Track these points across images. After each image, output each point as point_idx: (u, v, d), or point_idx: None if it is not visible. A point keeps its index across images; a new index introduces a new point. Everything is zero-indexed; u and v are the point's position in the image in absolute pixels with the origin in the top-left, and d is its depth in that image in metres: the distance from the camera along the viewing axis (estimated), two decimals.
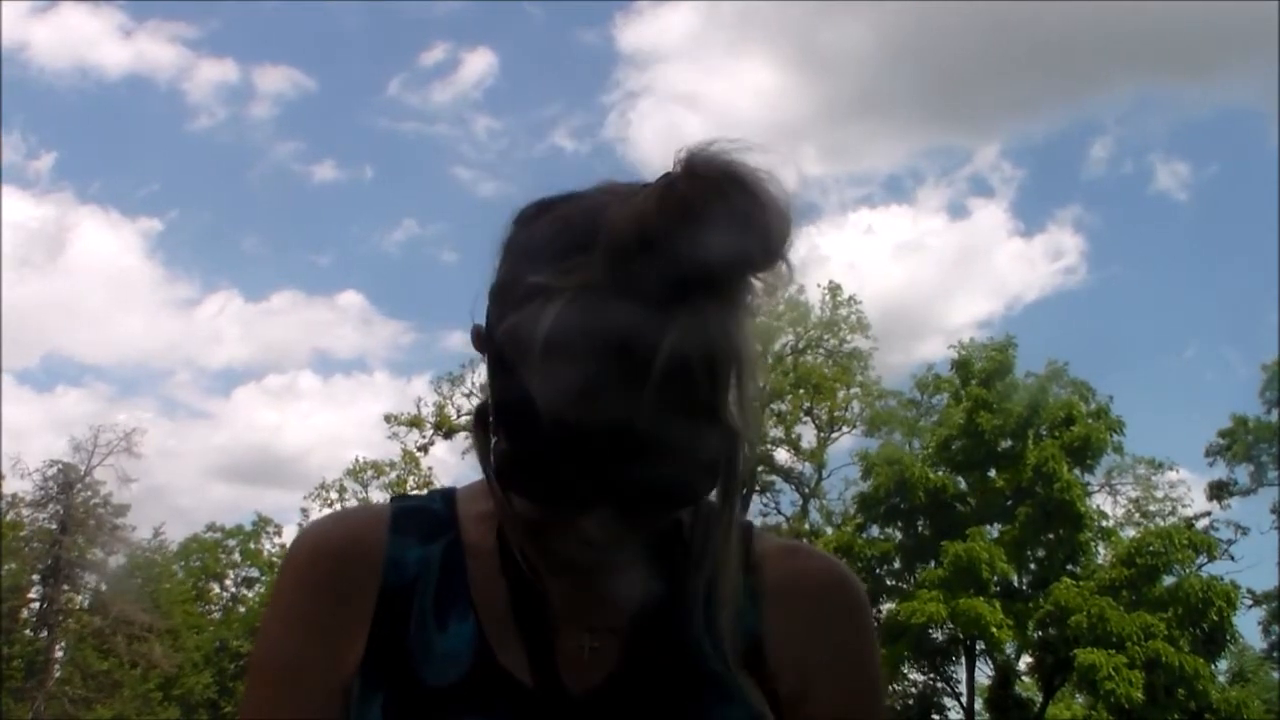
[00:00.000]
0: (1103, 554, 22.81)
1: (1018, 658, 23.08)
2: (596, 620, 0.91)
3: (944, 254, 42.70)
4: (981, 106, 44.80)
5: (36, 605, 28.54)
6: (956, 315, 42.34)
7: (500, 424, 0.86)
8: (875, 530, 23.95)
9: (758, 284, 0.84)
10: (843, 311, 28.09)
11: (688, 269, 0.78)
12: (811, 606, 0.95)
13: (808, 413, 27.88)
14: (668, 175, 0.82)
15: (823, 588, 0.96)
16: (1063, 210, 49.71)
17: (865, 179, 50.40)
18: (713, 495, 0.88)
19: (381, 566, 0.93)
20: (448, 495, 1.00)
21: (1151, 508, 25.59)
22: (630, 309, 0.78)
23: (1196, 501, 25.89)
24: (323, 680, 0.90)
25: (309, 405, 48.92)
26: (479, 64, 54.09)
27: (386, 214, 50.09)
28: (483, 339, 0.90)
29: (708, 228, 0.78)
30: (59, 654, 28.17)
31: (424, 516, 0.97)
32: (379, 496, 29.78)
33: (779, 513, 27.72)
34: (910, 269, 42.67)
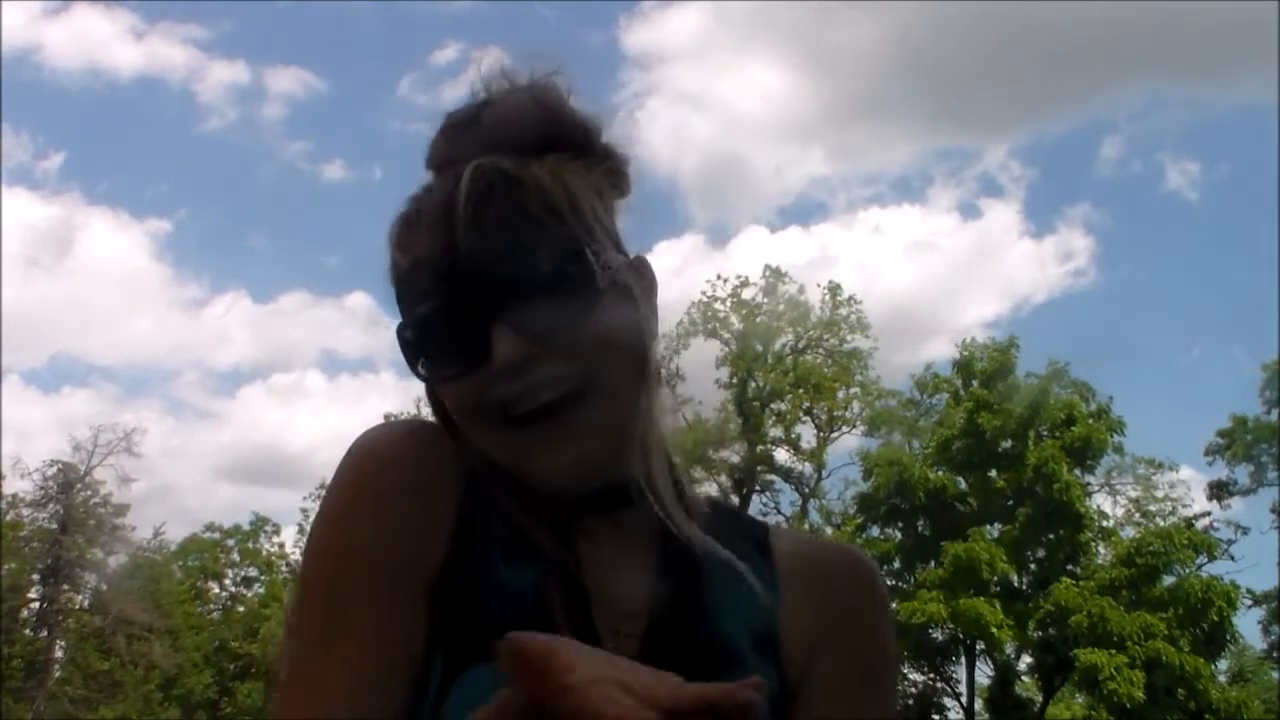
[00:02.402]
0: (1103, 554, 22.82)
1: (1018, 658, 23.09)
2: (622, 605, 0.92)
3: (954, 254, 42.79)
4: (990, 106, 44.86)
5: (36, 605, 28.54)
6: (964, 316, 42.47)
7: (402, 319, 0.92)
8: (875, 530, 23.95)
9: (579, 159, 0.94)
10: (843, 311, 28.12)
11: (484, 134, 0.93)
12: (824, 586, 0.97)
13: (807, 412, 27.87)
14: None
15: (835, 567, 0.99)
16: (1072, 210, 49.75)
17: (874, 179, 50.43)
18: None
19: (460, 480, 0.92)
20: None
21: (1152, 508, 25.59)
22: (447, 176, 0.92)
23: (1198, 501, 25.91)
24: (402, 594, 0.86)
25: (315, 405, 49.02)
26: (491, 63, 53.96)
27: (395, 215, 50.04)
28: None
29: (496, 106, 0.95)
30: (59, 654, 28.18)
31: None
32: None
33: (779, 512, 27.73)
34: (919, 269, 42.79)
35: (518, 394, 0.88)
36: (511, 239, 0.88)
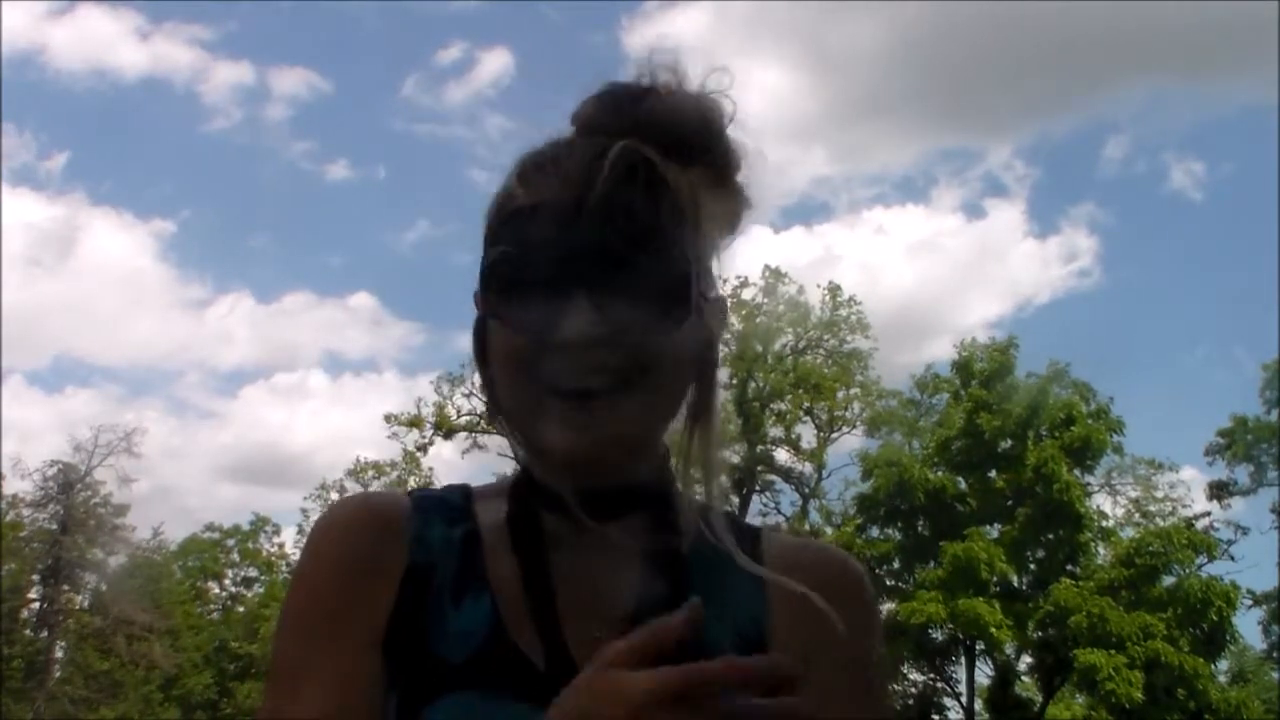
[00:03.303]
0: (1102, 554, 22.82)
1: (1018, 658, 23.09)
2: (611, 610, 0.92)
3: (957, 254, 42.78)
4: (994, 106, 44.85)
5: (36, 605, 28.55)
6: (968, 316, 42.47)
7: (489, 252, 0.93)
8: (875, 531, 23.95)
9: (712, 183, 0.95)
10: (843, 312, 28.11)
11: (644, 117, 0.94)
12: (810, 588, 0.96)
13: (807, 412, 27.88)
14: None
15: (824, 570, 0.99)
16: (1076, 209, 49.72)
17: (877, 179, 50.45)
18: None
19: (408, 542, 0.97)
20: (465, 490, 1.05)
21: (1152, 508, 25.59)
22: (593, 141, 0.93)
23: (1198, 501, 25.90)
24: (353, 645, 0.92)
25: (317, 405, 49.01)
26: (495, 63, 54.08)
27: (399, 215, 50.14)
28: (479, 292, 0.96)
29: (661, 97, 0.96)
30: (59, 654, 28.18)
31: (444, 504, 1.02)
32: None
33: (779, 512, 27.75)
34: (923, 269, 42.75)
35: (570, 369, 0.89)
36: (634, 228, 0.89)
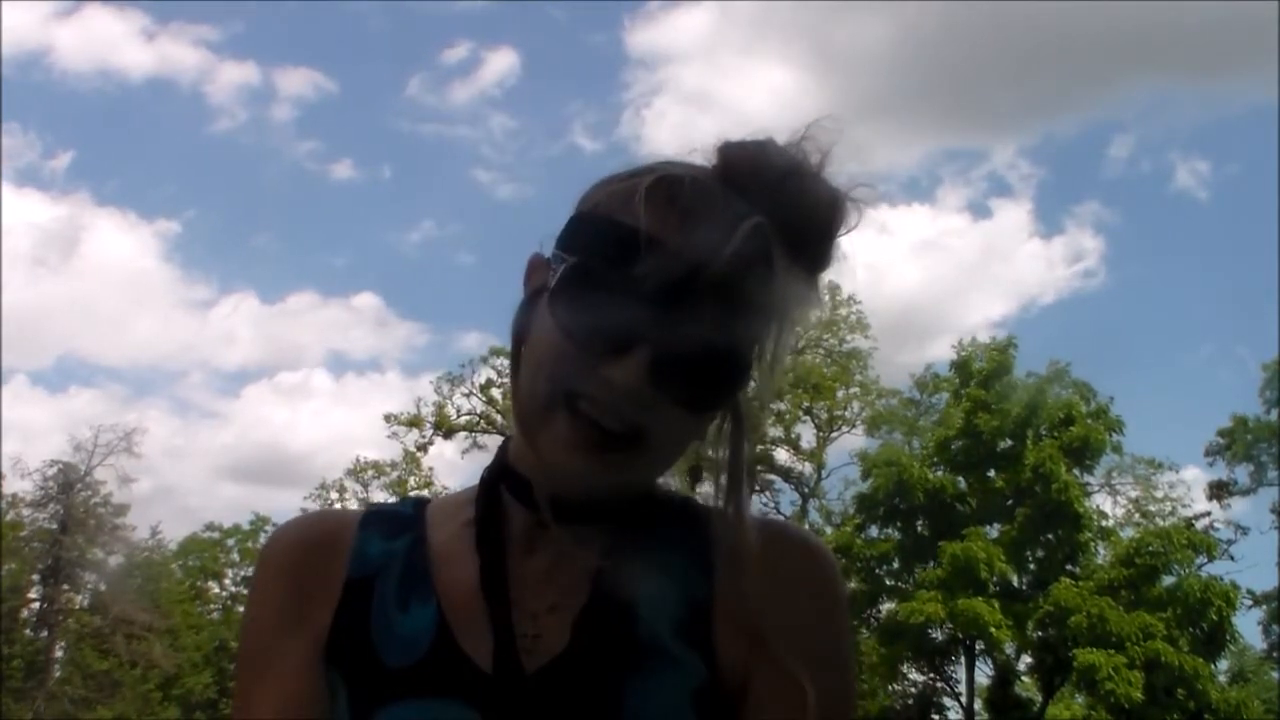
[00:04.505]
0: (1102, 554, 22.81)
1: (1017, 658, 23.08)
2: (540, 603, 0.94)
3: (962, 254, 42.75)
4: (998, 105, 44.79)
5: (36, 605, 28.54)
6: (971, 316, 42.45)
7: (577, 253, 0.92)
8: (874, 530, 23.94)
9: (808, 263, 0.94)
10: (842, 311, 28.10)
11: (782, 198, 0.92)
12: (767, 568, 0.94)
13: (807, 412, 27.89)
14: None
15: (778, 548, 0.96)
16: (1081, 209, 49.68)
17: (881, 178, 50.10)
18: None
19: (346, 558, 1.00)
20: (419, 501, 1.07)
21: (1151, 508, 25.59)
22: (729, 192, 0.92)
23: (1198, 501, 25.90)
24: (294, 663, 0.96)
25: (320, 405, 48.98)
26: (501, 63, 54.03)
27: (404, 215, 50.13)
28: (540, 262, 0.97)
29: (805, 185, 0.94)
30: (59, 654, 28.18)
31: (392, 518, 1.04)
32: (380, 496, 29.79)
33: (778, 512, 27.73)
34: (928, 269, 42.72)
35: (599, 401, 0.89)
36: (732, 304, 0.88)
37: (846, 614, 1.01)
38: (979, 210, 47.53)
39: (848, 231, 0.96)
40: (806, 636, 0.93)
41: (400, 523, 1.02)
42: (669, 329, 0.87)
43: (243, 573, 35.17)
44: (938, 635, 22.16)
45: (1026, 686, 24.39)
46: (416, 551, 0.99)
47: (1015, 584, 22.21)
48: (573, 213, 0.97)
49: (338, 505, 30.15)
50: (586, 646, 0.91)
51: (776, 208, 0.91)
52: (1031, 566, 22.40)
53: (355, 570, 0.99)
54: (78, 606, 28.60)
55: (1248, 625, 29.08)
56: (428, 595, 0.95)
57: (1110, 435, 22.75)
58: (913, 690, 24.76)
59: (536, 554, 0.96)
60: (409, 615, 0.95)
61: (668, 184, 0.91)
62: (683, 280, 0.87)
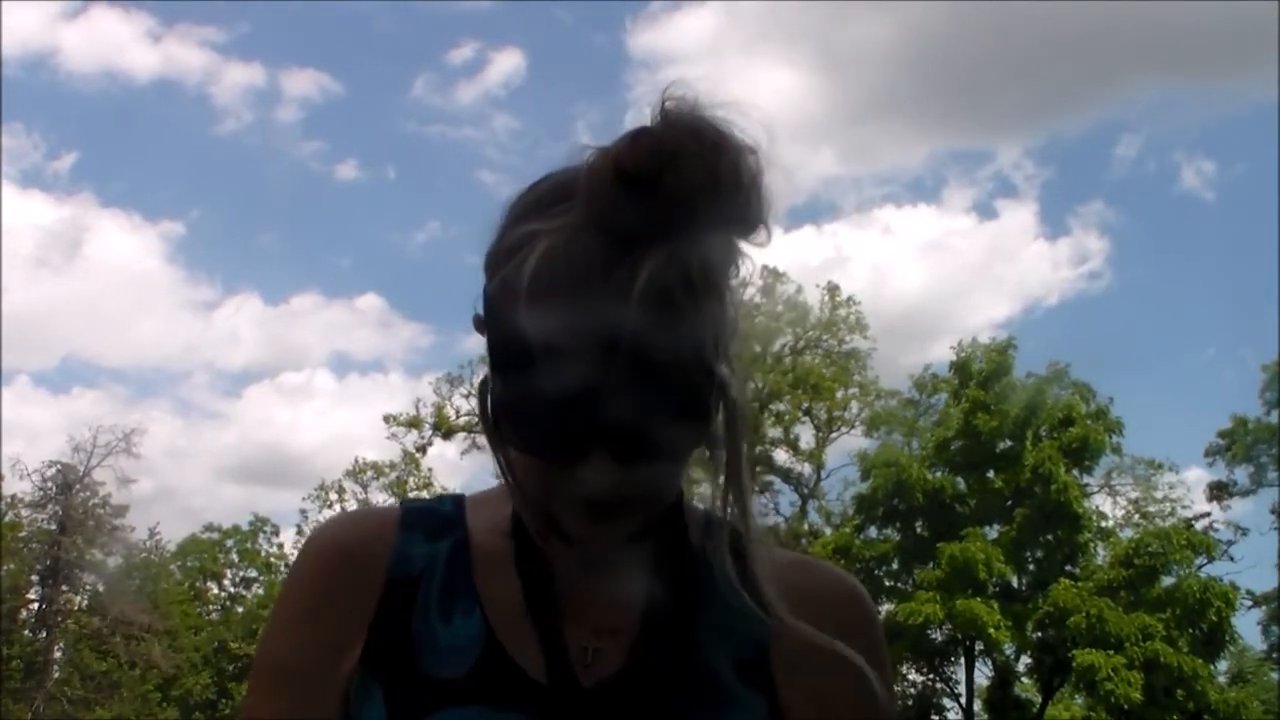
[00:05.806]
0: (1101, 555, 22.83)
1: (1017, 658, 23.10)
2: (602, 621, 0.92)
3: (967, 255, 42.73)
4: (1003, 106, 44.66)
5: (35, 606, 28.53)
6: (975, 317, 42.43)
7: (495, 370, 0.88)
8: (873, 531, 23.96)
9: (739, 241, 0.87)
10: (841, 312, 28.12)
11: (663, 205, 0.81)
12: (820, 619, 0.93)
13: (806, 413, 27.88)
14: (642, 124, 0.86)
15: (834, 600, 0.97)
16: (1086, 209, 49.67)
17: (886, 179, 50.26)
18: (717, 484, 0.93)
19: (387, 562, 0.96)
20: (457, 499, 1.03)
21: (1151, 508, 25.59)
22: (610, 243, 0.81)
23: (1198, 502, 25.91)
24: (322, 679, 0.92)
25: (323, 405, 48.94)
26: (506, 64, 53.94)
27: (409, 216, 50.08)
28: (479, 316, 0.92)
29: (680, 169, 0.81)
30: (58, 654, 28.17)
31: (433, 516, 0.99)
32: (379, 498, 29.79)
33: (778, 513, 27.71)
34: (932, 269, 42.70)
35: (583, 518, 0.88)
36: (668, 344, 0.82)
37: (887, 653, 1.00)
38: (984, 211, 47.50)
39: (759, 172, 0.85)
40: (852, 681, 0.93)
41: (441, 522, 0.99)
42: (617, 414, 0.82)
43: (242, 573, 35.19)
44: (937, 636, 22.18)
45: (1026, 687, 24.41)
46: (459, 555, 0.96)
47: (1014, 585, 22.22)
48: (486, 272, 0.91)
49: (336, 507, 30.16)
50: (646, 670, 0.90)
51: (665, 225, 0.82)
52: (1031, 567, 22.42)
53: (397, 573, 0.95)
54: (77, 607, 28.58)
55: (1247, 626, 29.22)
56: (472, 605, 0.93)
57: (1110, 436, 22.77)
58: (912, 691, 24.75)
59: (580, 565, 0.93)
60: (452, 627, 0.92)
61: (547, 274, 0.82)
62: (605, 365, 0.81)
